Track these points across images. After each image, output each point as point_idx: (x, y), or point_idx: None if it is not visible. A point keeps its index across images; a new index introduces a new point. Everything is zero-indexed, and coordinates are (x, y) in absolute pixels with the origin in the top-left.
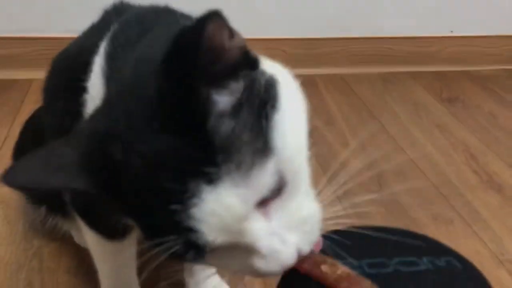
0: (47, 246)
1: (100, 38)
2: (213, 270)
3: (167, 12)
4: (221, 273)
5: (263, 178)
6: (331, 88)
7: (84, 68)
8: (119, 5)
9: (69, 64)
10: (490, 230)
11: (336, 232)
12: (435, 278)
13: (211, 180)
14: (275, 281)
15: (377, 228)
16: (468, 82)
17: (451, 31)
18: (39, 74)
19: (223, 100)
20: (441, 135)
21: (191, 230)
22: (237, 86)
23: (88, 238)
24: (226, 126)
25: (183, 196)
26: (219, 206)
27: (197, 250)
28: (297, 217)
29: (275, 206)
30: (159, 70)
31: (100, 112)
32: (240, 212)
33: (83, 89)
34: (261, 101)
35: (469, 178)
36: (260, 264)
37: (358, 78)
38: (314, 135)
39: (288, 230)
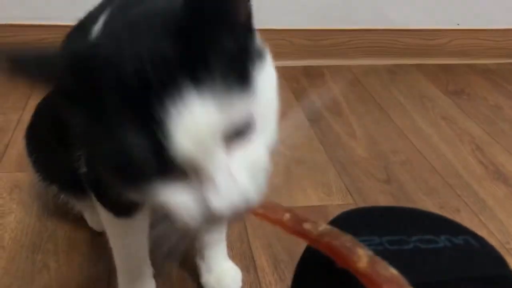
0: (61, 229)
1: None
2: (225, 253)
3: None
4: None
5: (240, 108)
6: (338, 79)
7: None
8: None
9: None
10: (497, 220)
11: (356, 210)
12: (453, 254)
13: (199, 86)
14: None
15: (395, 208)
16: (474, 75)
17: (458, 24)
18: None
19: (228, 40)
20: (447, 126)
21: (163, 130)
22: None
23: (101, 215)
24: (224, 54)
25: (168, 95)
26: (200, 113)
27: (160, 162)
28: (254, 164)
29: (238, 147)
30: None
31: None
32: (214, 128)
33: None
34: (254, 54)
35: (475, 168)
36: (212, 197)
37: (365, 70)
38: (322, 125)
39: (244, 173)
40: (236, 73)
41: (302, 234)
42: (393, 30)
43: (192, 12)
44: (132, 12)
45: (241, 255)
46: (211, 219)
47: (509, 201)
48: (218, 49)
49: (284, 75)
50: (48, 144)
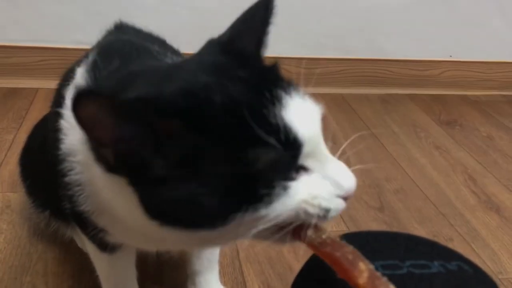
0: (51, 251)
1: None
2: (217, 279)
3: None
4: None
5: (317, 109)
6: (332, 107)
7: (59, 102)
8: (118, 25)
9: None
10: (489, 249)
11: (350, 234)
12: (446, 280)
13: (286, 90)
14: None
15: (389, 233)
16: (466, 106)
17: (450, 56)
18: (45, 84)
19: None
20: (440, 156)
21: (286, 130)
22: None
23: (87, 246)
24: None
25: (274, 101)
26: (302, 106)
27: (293, 154)
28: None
29: None
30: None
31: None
32: (317, 116)
33: (60, 116)
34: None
35: (468, 198)
36: (342, 177)
37: (358, 98)
38: None
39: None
40: (288, 80)
41: (304, 239)
42: (386, 60)
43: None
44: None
45: (233, 281)
46: (337, 203)
47: (502, 231)
48: (266, 67)
49: None
50: (41, 171)
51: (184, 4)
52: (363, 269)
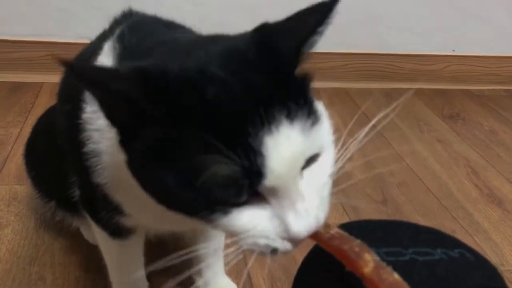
0: (58, 242)
1: (100, 43)
2: (222, 269)
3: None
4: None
5: (317, 136)
6: (334, 101)
7: None
8: (128, 12)
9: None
10: (491, 241)
11: (354, 222)
12: (449, 266)
13: (290, 115)
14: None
15: (393, 221)
16: (469, 100)
17: (453, 50)
18: (50, 78)
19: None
20: (443, 149)
21: (256, 155)
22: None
23: (96, 234)
24: (297, 88)
25: (264, 122)
26: (290, 140)
27: (250, 182)
28: (321, 188)
29: (308, 174)
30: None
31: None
32: (302, 155)
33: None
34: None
35: (470, 191)
36: (294, 221)
37: (362, 93)
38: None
39: (316, 198)
40: (310, 103)
41: (314, 235)
42: (390, 54)
43: (267, 44)
44: (203, 45)
45: (237, 271)
46: (283, 244)
47: (504, 224)
48: (295, 81)
49: None
50: (46, 162)
51: None
52: (369, 260)
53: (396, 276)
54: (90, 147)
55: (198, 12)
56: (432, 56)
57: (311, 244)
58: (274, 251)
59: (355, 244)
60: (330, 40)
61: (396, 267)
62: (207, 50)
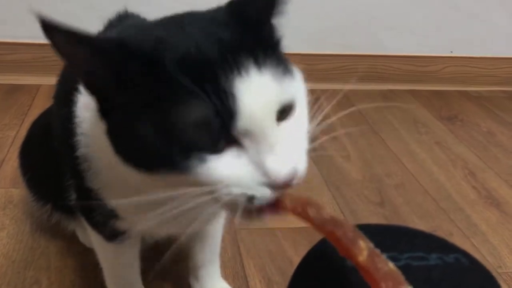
0: (54, 246)
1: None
2: (218, 273)
3: None
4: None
5: (289, 86)
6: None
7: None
8: (123, 14)
9: (63, 78)
10: (489, 244)
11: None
12: (444, 271)
13: (258, 63)
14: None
15: (388, 226)
16: (467, 102)
17: (451, 51)
18: (47, 80)
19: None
20: (440, 151)
21: (227, 96)
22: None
23: (92, 238)
24: (268, 41)
25: (233, 67)
26: (260, 83)
27: (223, 124)
28: (297, 140)
29: (283, 125)
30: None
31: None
32: (275, 99)
33: (75, 91)
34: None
35: (468, 193)
36: (271, 163)
37: (359, 94)
38: (316, 148)
39: (293, 145)
40: (279, 56)
41: (306, 218)
42: (387, 56)
43: (236, 11)
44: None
45: (234, 275)
46: (261, 191)
47: (502, 226)
48: (262, 37)
49: None
50: (42, 164)
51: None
52: (363, 247)
53: (391, 265)
54: (81, 151)
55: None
56: (429, 58)
57: (308, 246)
58: (251, 200)
59: (348, 229)
60: (328, 42)
61: None
62: (179, 20)
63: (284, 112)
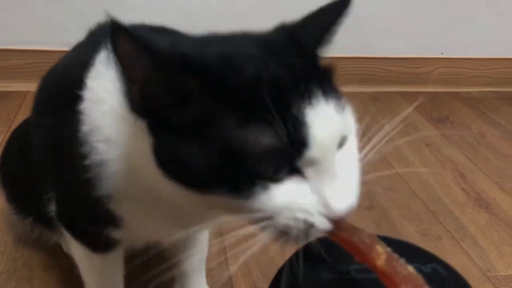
0: (37, 256)
1: (90, 54)
2: (204, 281)
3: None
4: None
5: (346, 118)
6: None
7: (76, 82)
8: (106, 24)
9: (58, 81)
10: (478, 247)
11: (326, 238)
12: None
13: (325, 93)
14: None
15: None
16: (457, 103)
17: (441, 53)
18: (34, 86)
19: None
20: (430, 153)
21: (300, 124)
22: None
23: (74, 250)
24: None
25: (304, 96)
26: (328, 114)
27: (293, 153)
28: (353, 171)
29: (339, 154)
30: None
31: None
32: (338, 131)
33: (78, 99)
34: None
35: (457, 195)
36: (334, 196)
37: (349, 97)
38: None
39: (351, 175)
40: (336, 88)
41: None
42: (377, 58)
43: (294, 36)
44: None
45: (220, 282)
46: (321, 220)
47: (491, 228)
48: (322, 66)
49: None
50: (21, 177)
51: (169, 4)
52: (381, 252)
53: (410, 268)
54: (93, 159)
55: (180, 18)
56: (420, 59)
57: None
58: (309, 228)
59: (365, 235)
60: None
61: (368, 284)
62: (237, 40)
63: (341, 143)
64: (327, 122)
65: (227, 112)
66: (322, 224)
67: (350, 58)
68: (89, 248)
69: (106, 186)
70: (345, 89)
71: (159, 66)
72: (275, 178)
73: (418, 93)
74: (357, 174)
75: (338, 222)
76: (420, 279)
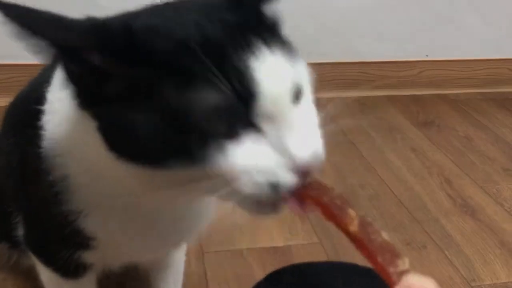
0: (12, 279)
1: (53, 70)
2: None
3: None
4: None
5: (298, 66)
6: None
7: (39, 98)
8: None
9: (22, 101)
10: (463, 255)
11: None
12: None
13: (268, 43)
14: None
15: (328, 263)
16: (444, 105)
17: (426, 55)
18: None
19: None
20: (416, 158)
21: (247, 77)
22: None
23: (44, 278)
24: (273, 26)
25: (245, 48)
26: (275, 63)
27: (243, 108)
28: (313, 121)
29: (296, 108)
30: None
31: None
32: (290, 80)
33: (40, 114)
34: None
35: (443, 202)
36: (296, 144)
37: (335, 102)
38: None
39: (313, 125)
40: (284, 38)
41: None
42: (362, 62)
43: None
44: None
45: None
46: (287, 176)
47: (476, 235)
48: (264, 18)
49: None
50: None
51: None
52: (353, 216)
53: (384, 235)
54: (56, 173)
55: None
56: (405, 63)
57: (276, 267)
58: (275, 189)
59: (335, 196)
60: (301, 51)
61: None
62: (175, 7)
63: (296, 95)
64: (274, 71)
65: (162, 79)
66: (288, 179)
67: (335, 64)
68: (58, 273)
69: (73, 200)
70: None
71: (72, 41)
72: (231, 135)
73: (404, 97)
74: (318, 128)
75: (305, 176)
76: (394, 247)
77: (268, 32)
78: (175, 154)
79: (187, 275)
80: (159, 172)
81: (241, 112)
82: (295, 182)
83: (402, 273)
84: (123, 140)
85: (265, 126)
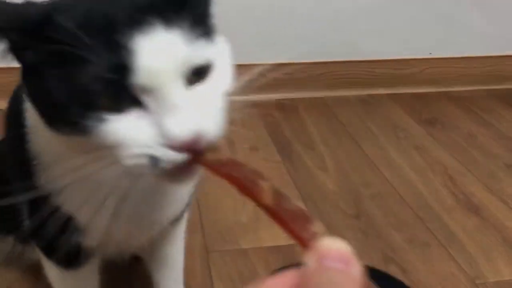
0: (20, 280)
1: None
2: None
3: None
4: None
5: (205, 49)
6: (312, 111)
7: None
8: None
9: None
10: (466, 253)
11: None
12: None
13: (167, 22)
14: None
15: None
16: (448, 103)
17: (430, 53)
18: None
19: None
20: (419, 156)
21: (124, 50)
22: None
23: (48, 269)
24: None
25: (134, 24)
26: (166, 41)
27: (120, 79)
28: (210, 102)
29: (197, 86)
30: None
31: None
32: (182, 60)
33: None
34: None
35: (446, 199)
36: (171, 122)
37: (338, 101)
38: (293, 159)
39: (202, 106)
40: (199, 21)
41: (202, 161)
42: (366, 61)
43: None
44: None
45: None
46: (164, 152)
47: (480, 233)
48: (179, 1)
49: (257, 109)
50: None
51: None
52: (266, 189)
53: (296, 203)
54: (30, 147)
55: None
56: (408, 60)
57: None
58: (156, 163)
59: (248, 170)
60: (304, 51)
61: None
62: None
63: (197, 76)
64: (161, 49)
65: (62, 51)
66: (166, 155)
67: (338, 62)
68: (61, 265)
69: (47, 178)
70: (334, 93)
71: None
72: (113, 108)
73: (408, 95)
74: (217, 106)
75: (193, 152)
76: (306, 213)
77: (175, 12)
78: (68, 123)
79: (191, 274)
80: (70, 139)
81: (120, 85)
82: (175, 158)
83: (314, 235)
84: (39, 104)
85: (149, 102)
